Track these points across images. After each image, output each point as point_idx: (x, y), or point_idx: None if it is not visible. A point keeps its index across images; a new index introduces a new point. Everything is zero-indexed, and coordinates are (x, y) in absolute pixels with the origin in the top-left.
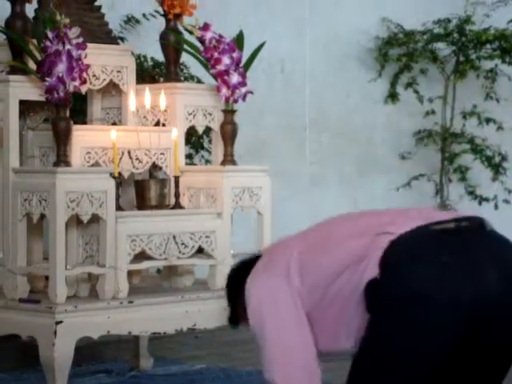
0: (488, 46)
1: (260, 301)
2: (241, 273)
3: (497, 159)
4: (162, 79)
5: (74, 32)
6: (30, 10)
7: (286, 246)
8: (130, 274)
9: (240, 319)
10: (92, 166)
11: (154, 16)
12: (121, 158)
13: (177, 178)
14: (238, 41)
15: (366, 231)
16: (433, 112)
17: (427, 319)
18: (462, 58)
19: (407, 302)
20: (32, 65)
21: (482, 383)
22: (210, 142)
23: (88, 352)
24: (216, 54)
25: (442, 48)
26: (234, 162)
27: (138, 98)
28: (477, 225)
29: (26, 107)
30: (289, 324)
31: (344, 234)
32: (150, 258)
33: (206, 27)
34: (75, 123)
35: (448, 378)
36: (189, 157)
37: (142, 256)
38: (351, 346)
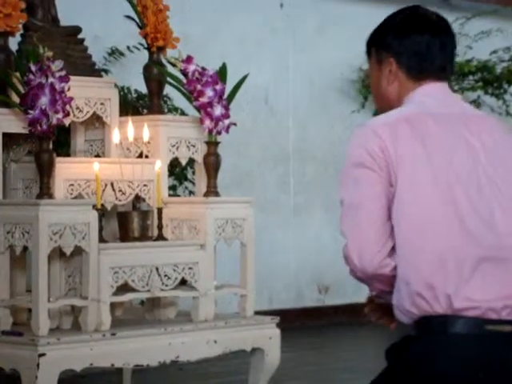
0: (471, 77)
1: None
2: None
3: None
4: (145, 111)
5: (57, 65)
6: (13, 43)
7: None
8: (113, 306)
9: None
10: (75, 198)
11: (137, 48)
12: (104, 190)
13: (160, 210)
14: (221, 73)
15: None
16: None
17: None
18: None
19: None
20: (15, 98)
21: None
22: (193, 173)
23: None
24: (199, 87)
25: None
26: (217, 194)
27: (122, 130)
28: None
29: (9, 139)
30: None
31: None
32: (132, 289)
33: (189, 60)
34: (58, 155)
35: None
36: (172, 188)
37: (124, 288)
38: None
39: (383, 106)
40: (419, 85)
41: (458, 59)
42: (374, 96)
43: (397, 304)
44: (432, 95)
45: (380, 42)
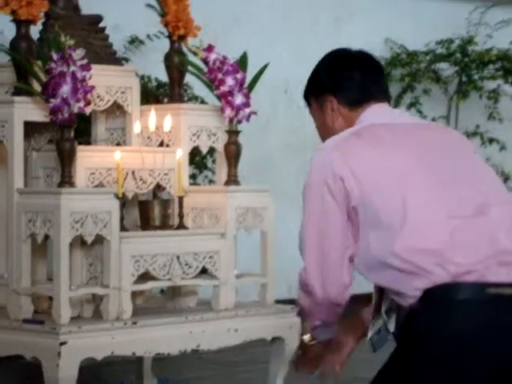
0: (491, 66)
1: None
2: None
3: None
4: (166, 100)
5: (78, 53)
6: (34, 31)
7: None
8: (134, 294)
9: None
10: (96, 186)
11: (158, 37)
12: (125, 179)
13: (181, 199)
14: (242, 62)
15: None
16: None
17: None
18: (464, 79)
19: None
20: (37, 86)
21: None
22: (213, 161)
23: (92, 373)
24: (220, 75)
25: (445, 68)
26: (237, 183)
27: (142, 119)
28: None
29: (30, 128)
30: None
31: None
32: (153, 278)
33: (210, 49)
34: (79, 144)
35: None
36: (192, 177)
37: (145, 276)
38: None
39: None
40: (362, 111)
41: (477, 48)
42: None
43: (396, 291)
44: (376, 112)
45: (317, 88)
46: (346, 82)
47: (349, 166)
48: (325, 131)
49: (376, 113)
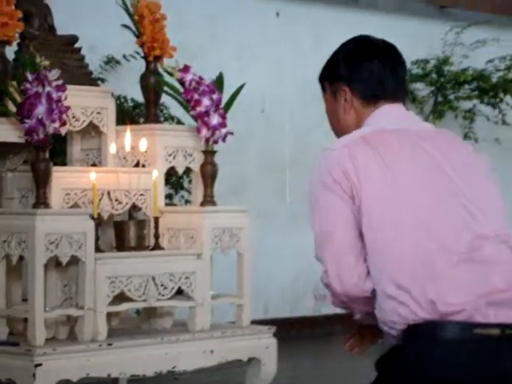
0: (466, 86)
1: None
2: None
3: None
4: (142, 120)
5: (53, 74)
6: (10, 52)
7: None
8: (109, 315)
9: None
10: (71, 207)
11: (134, 57)
12: (100, 200)
13: (156, 219)
14: (218, 83)
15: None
16: None
17: None
18: (440, 99)
19: None
20: (12, 107)
21: None
22: (190, 182)
23: None
24: (196, 96)
25: (421, 88)
26: (213, 203)
27: (118, 139)
28: None
29: (5, 149)
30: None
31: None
32: (129, 299)
33: (186, 69)
34: (55, 164)
35: None
36: (169, 197)
37: (121, 297)
38: None
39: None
40: (375, 108)
41: (453, 68)
42: (334, 130)
43: (382, 319)
44: (387, 115)
45: (333, 74)
46: (363, 73)
47: (355, 168)
48: (335, 121)
49: (388, 116)
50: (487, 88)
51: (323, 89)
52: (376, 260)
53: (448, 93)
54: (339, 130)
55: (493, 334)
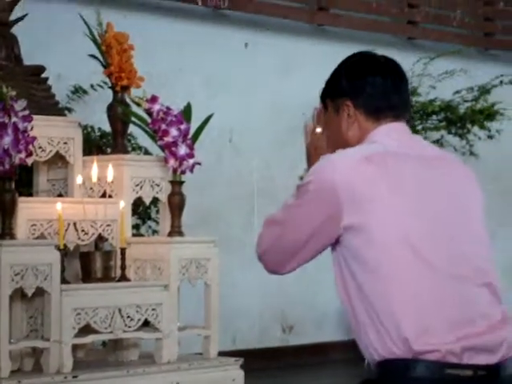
0: (434, 117)
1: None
2: None
3: None
4: (109, 150)
5: (20, 104)
6: None
7: None
8: (75, 347)
9: None
10: (37, 238)
11: (101, 87)
12: (66, 230)
13: (123, 250)
14: (186, 113)
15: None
16: None
17: None
18: None
19: None
20: None
21: None
22: (157, 212)
23: None
24: (164, 126)
25: None
26: (181, 233)
27: (85, 170)
28: (493, 374)
29: None
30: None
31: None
32: (95, 331)
33: (153, 99)
34: (20, 195)
35: None
36: (136, 227)
37: (87, 329)
38: None
39: None
40: (378, 125)
41: (421, 99)
42: (335, 149)
43: (363, 343)
44: (390, 135)
45: (335, 90)
46: (366, 87)
47: (350, 186)
48: (336, 138)
49: (391, 134)
50: (455, 119)
51: (325, 107)
52: (369, 292)
53: (416, 123)
54: (341, 147)
55: (465, 375)
